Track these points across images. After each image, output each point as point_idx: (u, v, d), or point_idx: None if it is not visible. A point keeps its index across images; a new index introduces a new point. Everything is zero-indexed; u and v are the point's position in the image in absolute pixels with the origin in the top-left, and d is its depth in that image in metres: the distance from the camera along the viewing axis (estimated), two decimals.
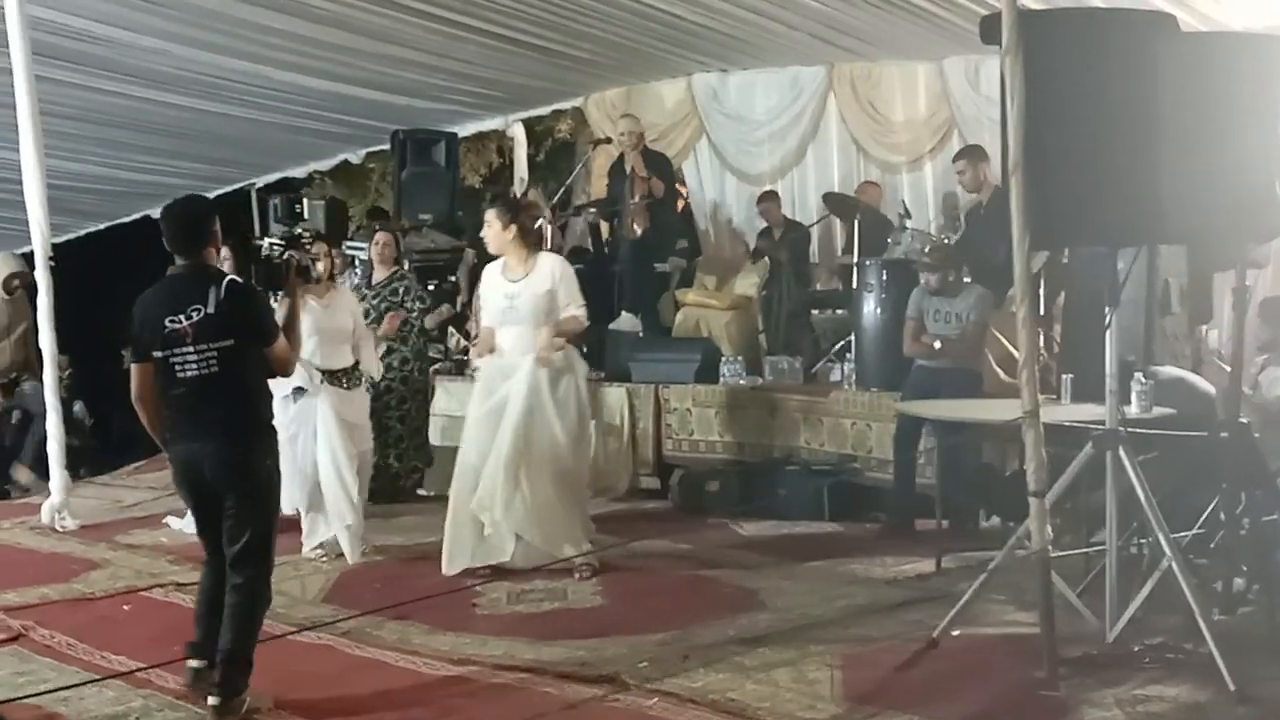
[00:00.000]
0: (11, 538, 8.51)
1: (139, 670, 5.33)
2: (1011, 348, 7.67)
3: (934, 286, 7.82)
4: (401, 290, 9.12)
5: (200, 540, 5.18)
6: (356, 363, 7.73)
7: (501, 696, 5.14)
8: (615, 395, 9.47)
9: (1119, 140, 4.96)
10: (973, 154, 8.90)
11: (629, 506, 8.20)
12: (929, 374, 7.77)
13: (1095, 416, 5.65)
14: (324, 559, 7.48)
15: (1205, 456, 5.85)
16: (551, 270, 7.05)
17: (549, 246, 9.60)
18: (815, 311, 10.51)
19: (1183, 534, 5.62)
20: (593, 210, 11.68)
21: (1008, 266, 5.22)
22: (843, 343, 9.57)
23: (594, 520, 7.50)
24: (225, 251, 8.77)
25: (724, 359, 9.50)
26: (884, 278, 8.71)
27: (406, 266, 10.06)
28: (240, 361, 4.92)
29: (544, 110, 13.05)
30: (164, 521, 8.51)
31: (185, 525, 7.70)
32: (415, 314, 9.27)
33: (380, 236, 9.32)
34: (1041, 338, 8.02)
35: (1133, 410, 6.00)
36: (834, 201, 10.50)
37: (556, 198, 12.04)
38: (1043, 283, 8.19)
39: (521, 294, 6.97)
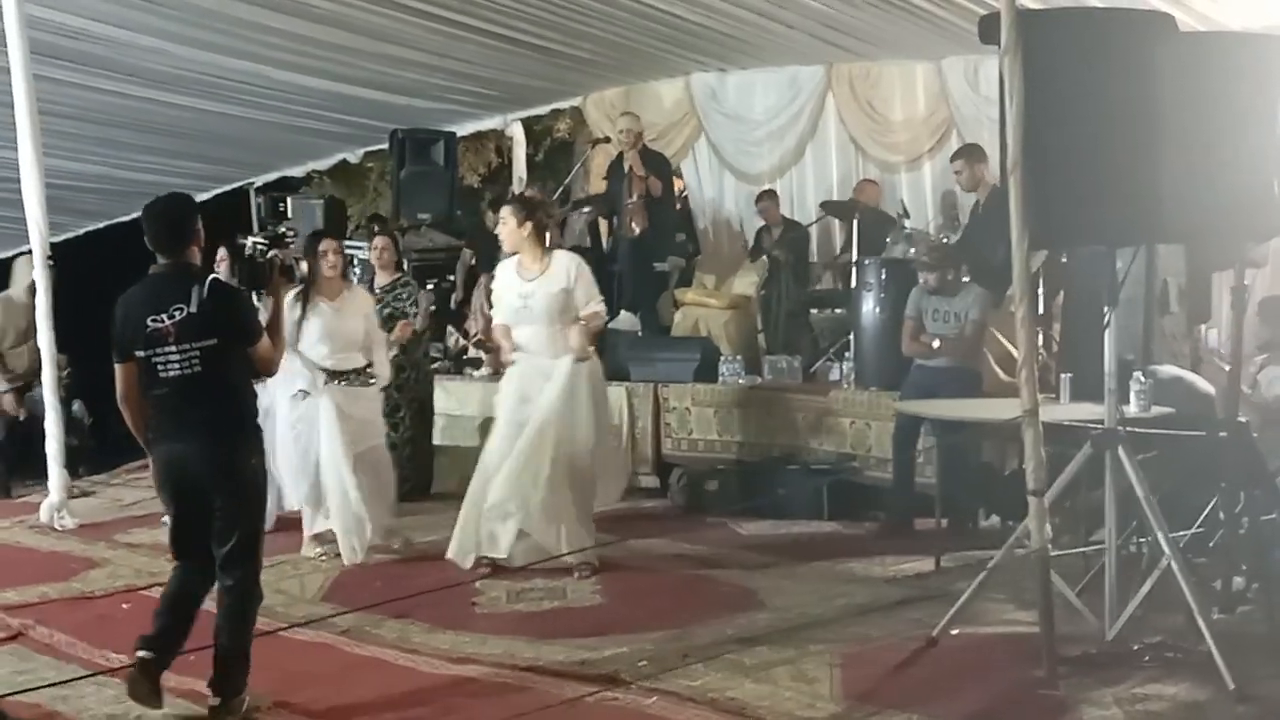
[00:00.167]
0: (11, 536, 8.51)
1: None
2: (1010, 347, 7.67)
3: (933, 286, 7.83)
4: (405, 296, 9.02)
5: (171, 545, 5.10)
6: (367, 365, 7.62)
7: (501, 695, 5.14)
8: (614, 394, 9.43)
9: (1117, 140, 4.97)
10: (970, 154, 8.90)
11: (628, 506, 8.20)
12: (928, 373, 7.78)
13: (1094, 416, 5.65)
14: (324, 558, 7.48)
15: (1204, 456, 5.84)
16: (567, 269, 7.01)
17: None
18: (814, 311, 10.52)
19: (1182, 533, 5.62)
20: (588, 209, 11.68)
21: (1006, 266, 5.22)
22: (841, 342, 9.58)
23: (593, 519, 7.49)
24: (222, 252, 8.79)
25: (723, 358, 9.50)
26: (883, 277, 8.71)
27: (407, 267, 10.04)
28: (223, 361, 4.88)
29: (543, 110, 13.07)
30: (163, 520, 8.49)
31: None
32: (414, 317, 9.21)
33: (378, 241, 9.17)
34: (1040, 337, 8.02)
35: (1132, 409, 6.00)
36: (832, 208, 10.52)
37: (555, 197, 12.04)
38: (1041, 282, 8.19)
39: (536, 293, 6.94)
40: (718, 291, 10.94)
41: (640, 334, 10.29)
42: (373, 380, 7.64)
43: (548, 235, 7.19)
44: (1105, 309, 5.42)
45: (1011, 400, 5.61)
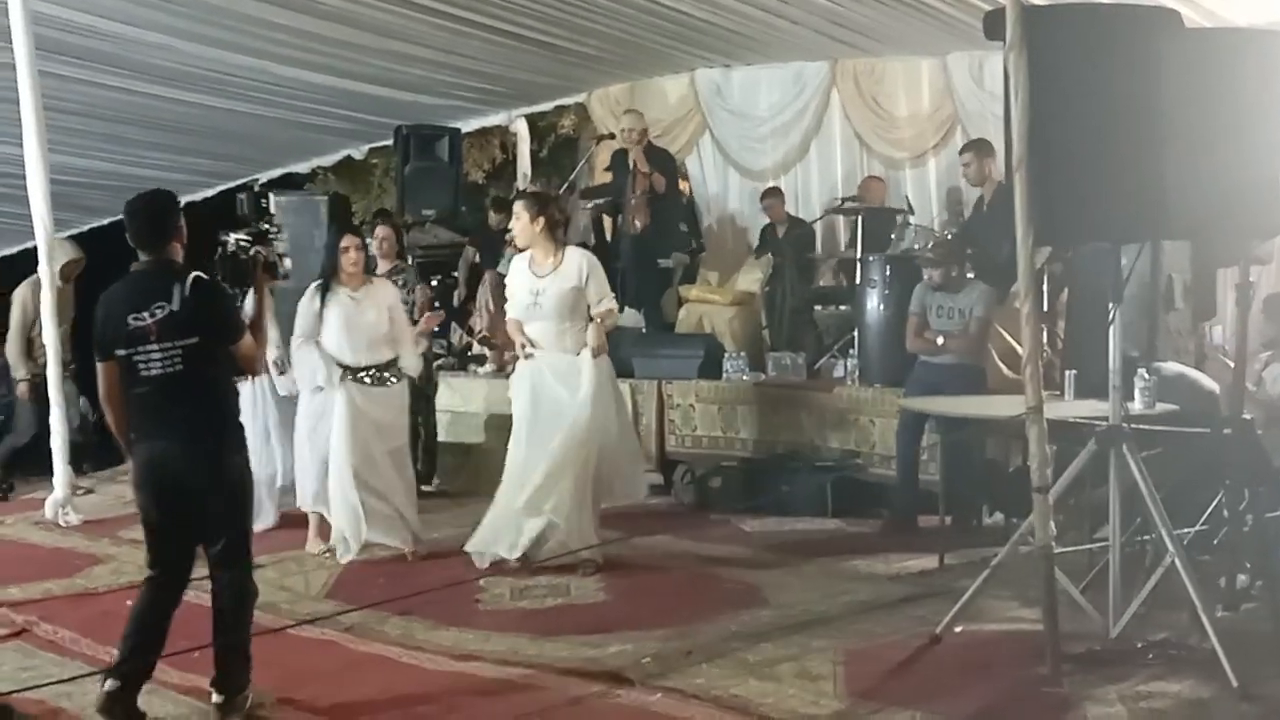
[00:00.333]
0: (15, 533, 8.53)
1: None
2: (1015, 343, 7.67)
3: (937, 282, 7.81)
4: (401, 284, 8.99)
5: (148, 551, 4.96)
6: (391, 360, 7.51)
7: (505, 692, 5.14)
8: None
9: (1123, 136, 4.96)
10: (979, 148, 8.89)
11: (632, 502, 8.19)
12: (932, 370, 7.77)
13: (1098, 413, 5.64)
14: (328, 555, 7.48)
15: (1208, 453, 5.84)
16: (579, 266, 6.99)
17: None
18: (818, 307, 10.50)
19: (1186, 530, 5.61)
20: (592, 204, 11.66)
21: (1011, 262, 5.21)
22: (846, 338, 9.57)
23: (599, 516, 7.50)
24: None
25: (727, 355, 9.50)
26: (887, 273, 8.70)
27: (410, 261, 10.03)
28: (206, 360, 4.81)
29: (547, 106, 13.06)
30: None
31: None
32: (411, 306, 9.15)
33: (380, 230, 9.16)
34: (1045, 334, 8.01)
35: (1136, 407, 5.99)
36: (836, 210, 10.52)
37: (560, 192, 12.04)
38: (1046, 278, 8.18)
39: (547, 289, 6.93)
40: (722, 288, 10.93)
41: (644, 330, 10.29)
42: (390, 379, 7.49)
43: (559, 231, 7.15)
44: (1110, 306, 5.41)
45: (1016, 397, 5.61)
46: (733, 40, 10.15)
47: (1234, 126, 5.07)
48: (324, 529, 7.61)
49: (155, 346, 4.76)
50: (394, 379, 7.52)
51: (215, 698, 4.91)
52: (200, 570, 5.00)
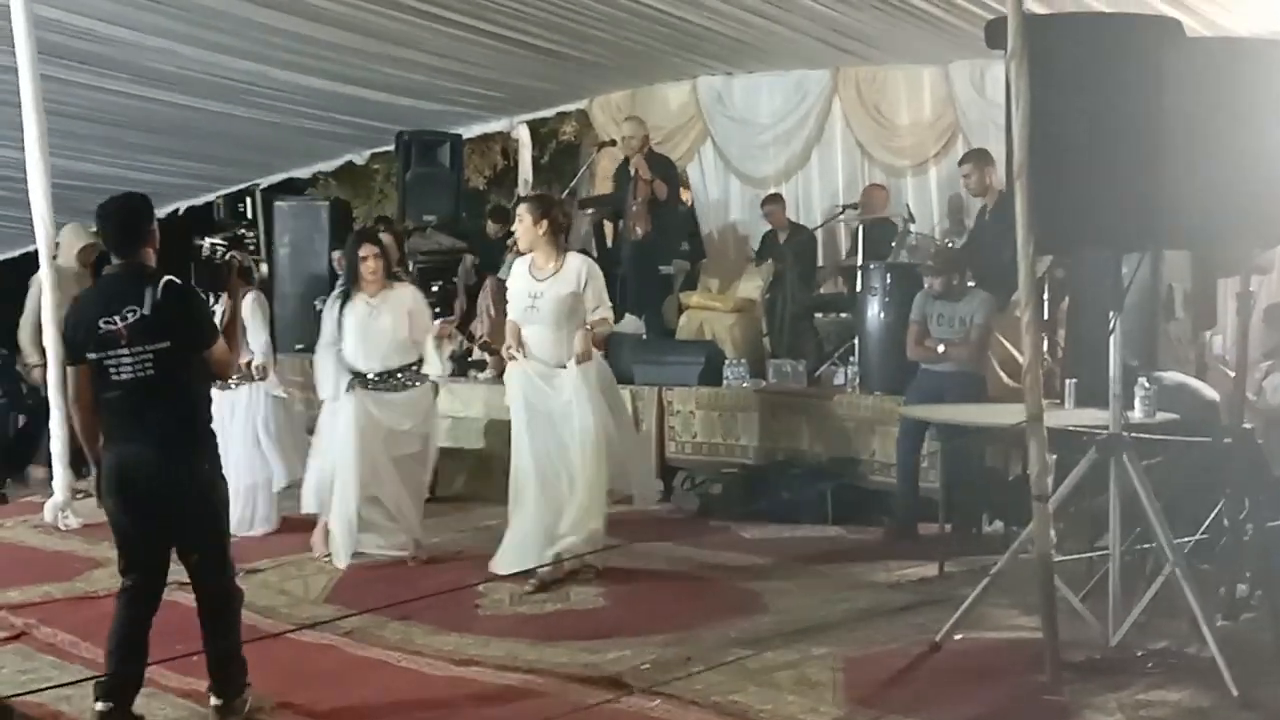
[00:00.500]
0: (14, 536, 8.52)
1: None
2: (1015, 352, 7.67)
3: (938, 290, 7.82)
4: None
5: (120, 558, 4.92)
6: (410, 365, 7.47)
7: (504, 697, 5.14)
8: None
9: (1124, 145, 4.96)
10: (979, 158, 8.90)
11: (631, 508, 8.19)
12: (933, 378, 7.77)
13: (1099, 421, 5.64)
14: (328, 558, 7.47)
15: (1209, 462, 5.84)
16: (578, 272, 6.94)
17: None
18: (819, 315, 10.51)
19: (1186, 539, 5.61)
20: (592, 210, 11.68)
21: (1011, 270, 5.22)
22: (846, 346, 9.57)
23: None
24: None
25: (727, 362, 9.49)
26: (888, 281, 8.71)
27: (411, 267, 10.04)
28: (177, 364, 4.75)
29: (548, 112, 13.07)
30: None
31: None
32: None
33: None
34: (1045, 342, 8.01)
35: (1136, 415, 5.99)
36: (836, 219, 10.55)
37: (562, 198, 12.05)
38: (1046, 287, 8.19)
39: (545, 294, 6.88)
40: (723, 295, 10.93)
41: (645, 337, 10.29)
42: (408, 383, 7.44)
43: (562, 236, 7.13)
44: (1110, 314, 5.41)
45: (1016, 405, 5.61)
46: (734, 48, 10.16)
47: (1235, 136, 5.07)
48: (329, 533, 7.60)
49: (126, 351, 4.70)
50: (412, 383, 7.47)
51: (214, 701, 4.90)
52: (183, 574, 4.98)
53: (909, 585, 6.79)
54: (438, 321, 8.53)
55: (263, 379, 8.19)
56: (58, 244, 8.79)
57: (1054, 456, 5.89)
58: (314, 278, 12.44)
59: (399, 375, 7.43)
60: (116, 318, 4.70)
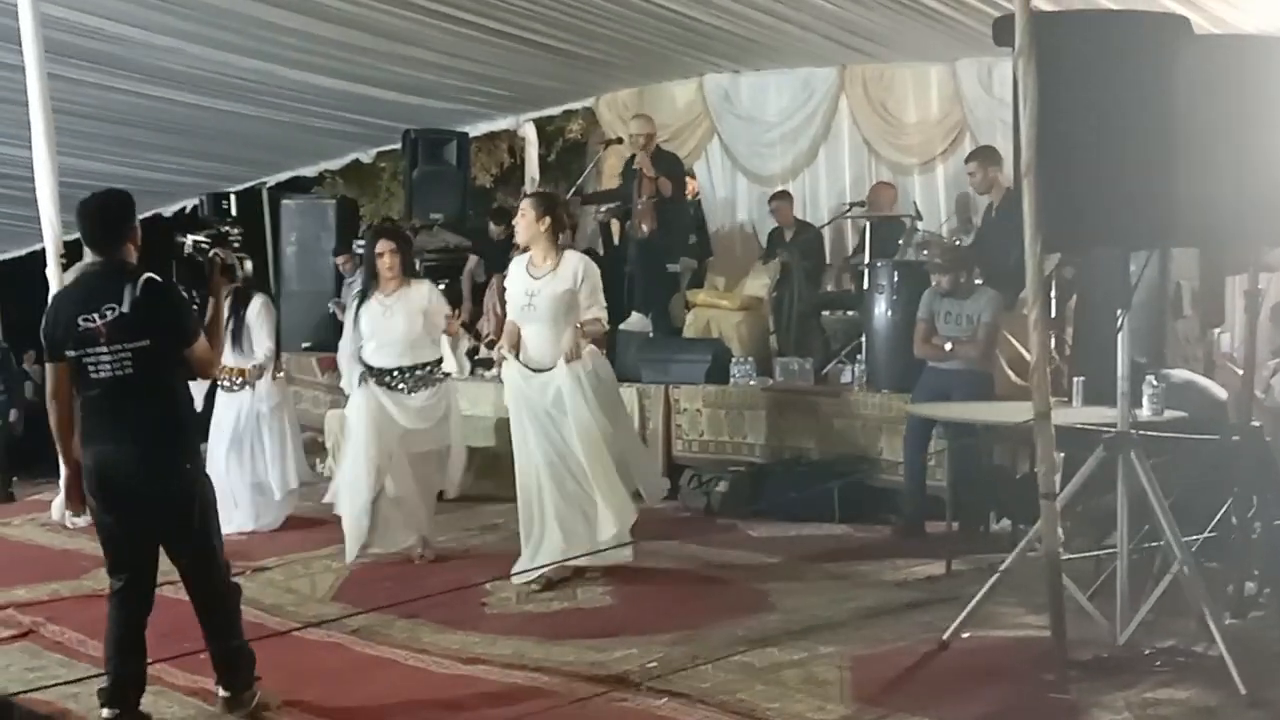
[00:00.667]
0: (22, 534, 8.54)
1: (147, 665, 5.33)
2: (1023, 350, 7.66)
3: (945, 288, 7.80)
4: None
5: (107, 558, 4.92)
6: (426, 364, 7.43)
7: (511, 695, 5.15)
8: (625, 396, 9.42)
9: (1132, 142, 4.95)
10: (985, 156, 8.89)
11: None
12: (940, 376, 7.76)
13: (1106, 419, 5.64)
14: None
15: (1217, 460, 5.83)
16: (574, 270, 6.88)
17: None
18: (826, 312, 10.49)
19: (1194, 537, 5.60)
20: (606, 208, 11.67)
21: (1019, 268, 5.21)
22: (853, 344, 9.56)
23: None
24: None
25: (734, 360, 9.49)
26: (895, 279, 8.70)
27: (418, 266, 10.03)
28: (157, 363, 4.71)
29: (555, 110, 13.08)
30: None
31: None
32: None
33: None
34: (1053, 340, 8.00)
35: (1144, 413, 5.98)
36: (843, 216, 10.53)
37: (568, 198, 12.05)
38: (1054, 285, 8.17)
39: (541, 292, 6.84)
40: (729, 293, 10.92)
41: (651, 335, 10.28)
42: (421, 383, 7.40)
43: (562, 235, 7.11)
44: (1118, 312, 5.40)
45: (1023, 403, 5.58)
46: (741, 45, 10.16)
47: (1243, 133, 5.06)
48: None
49: (105, 349, 4.67)
50: (426, 383, 7.43)
51: (222, 693, 4.93)
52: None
53: (916, 583, 6.78)
54: (446, 318, 8.54)
55: (259, 377, 8.22)
56: (65, 255, 8.78)
57: (1062, 454, 5.90)
58: (321, 276, 12.47)
59: (413, 374, 7.39)
60: (95, 315, 4.67)
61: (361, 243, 11.58)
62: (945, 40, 9.15)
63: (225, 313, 8.00)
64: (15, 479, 10.29)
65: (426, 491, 7.56)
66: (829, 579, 6.91)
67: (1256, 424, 5.89)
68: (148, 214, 13.41)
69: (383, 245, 7.44)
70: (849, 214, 10.57)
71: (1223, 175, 5.00)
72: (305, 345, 11.98)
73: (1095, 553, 6.08)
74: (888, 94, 10.77)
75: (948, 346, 7.71)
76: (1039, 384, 5.09)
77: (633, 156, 10.71)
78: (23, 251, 12.98)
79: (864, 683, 5.14)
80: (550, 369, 6.80)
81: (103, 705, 4.77)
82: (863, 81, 10.82)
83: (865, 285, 9.26)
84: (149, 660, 5.16)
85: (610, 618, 6.28)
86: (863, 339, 9.21)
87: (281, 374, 8.60)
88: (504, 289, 7.40)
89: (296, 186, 14.33)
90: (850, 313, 10.18)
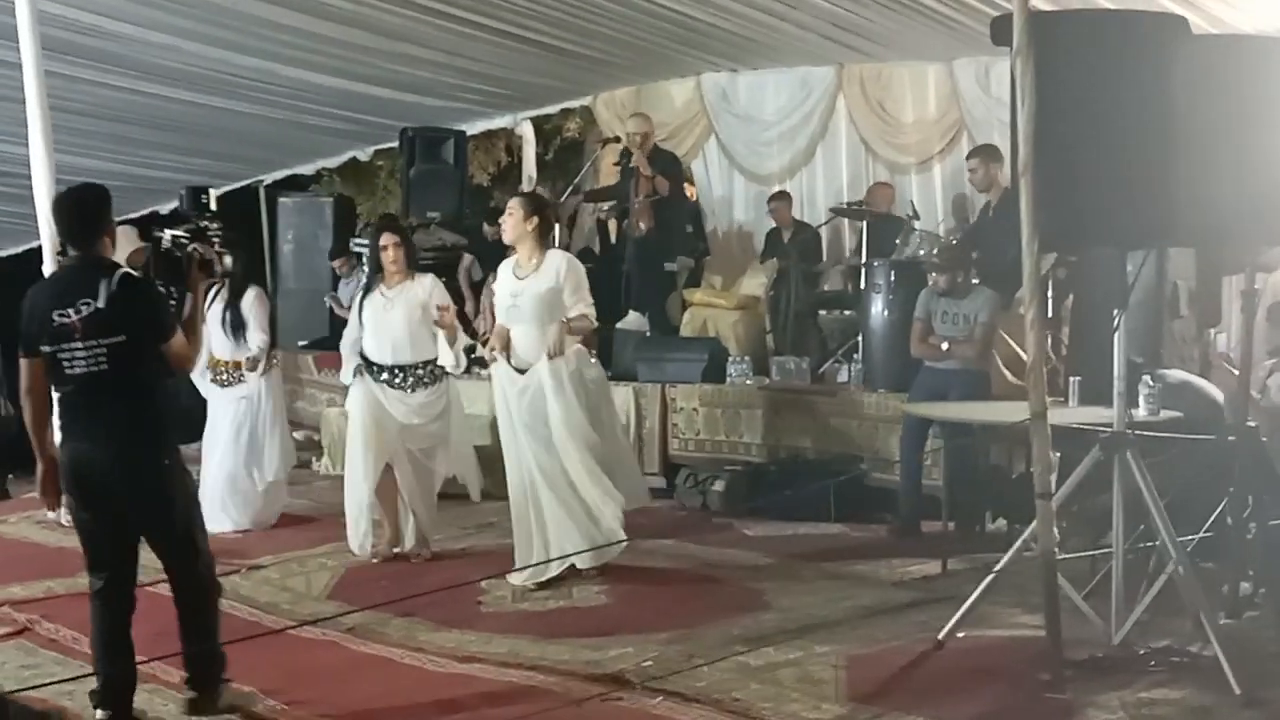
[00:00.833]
0: (18, 532, 8.54)
1: (142, 664, 5.32)
2: (1019, 349, 7.66)
3: (942, 288, 7.80)
4: None
5: (85, 555, 4.85)
6: (426, 361, 7.39)
7: (506, 694, 5.14)
8: (621, 394, 9.44)
9: (1129, 142, 4.95)
10: (986, 153, 8.90)
11: (633, 506, 8.18)
12: (936, 375, 7.76)
13: (1103, 419, 5.63)
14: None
15: (1212, 460, 5.83)
16: (557, 268, 6.86)
17: (557, 244, 9.56)
18: (823, 312, 10.50)
19: (1189, 537, 5.60)
20: (604, 208, 11.67)
21: (1016, 267, 5.21)
22: (850, 343, 9.57)
23: None
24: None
25: (731, 359, 9.49)
26: (892, 278, 8.71)
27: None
28: (133, 359, 4.67)
29: (553, 109, 13.05)
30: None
31: None
32: None
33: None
34: (1049, 340, 8.00)
35: (1140, 413, 5.98)
36: (841, 212, 10.51)
37: (565, 196, 12.06)
38: (1051, 284, 8.18)
39: (525, 291, 6.83)
40: (726, 292, 10.93)
41: (648, 334, 10.29)
42: (420, 381, 7.38)
43: (549, 236, 7.11)
44: (1115, 312, 5.40)
45: (1020, 403, 5.59)
46: (739, 44, 10.15)
47: (1240, 133, 5.06)
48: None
49: (80, 344, 4.63)
50: (425, 381, 7.41)
51: (188, 693, 4.90)
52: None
53: (912, 583, 6.78)
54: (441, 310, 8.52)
55: (252, 370, 8.22)
56: (62, 252, 8.77)
57: (1057, 454, 5.89)
58: (317, 274, 12.46)
59: (413, 371, 7.38)
60: (70, 310, 4.64)
61: (359, 241, 11.60)
62: (943, 39, 9.15)
63: (220, 307, 8.10)
64: (10, 476, 10.23)
65: (426, 489, 7.55)
66: (825, 578, 6.90)
67: (1252, 424, 5.89)
68: (144, 211, 13.43)
69: (386, 238, 7.45)
70: (847, 213, 10.57)
71: (1220, 175, 5.00)
72: (302, 344, 11.98)
73: (1091, 553, 6.10)
74: (885, 93, 10.77)
75: (944, 346, 7.71)
76: (1035, 384, 5.09)
77: (629, 154, 10.71)
78: (20, 249, 12.93)
79: (859, 682, 5.14)
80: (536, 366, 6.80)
81: (95, 706, 4.75)
82: (860, 81, 10.81)
83: (862, 285, 9.27)
84: (142, 659, 5.17)
85: (606, 616, 6.28)
86: (859, 338, 9.22)
87: (275, 364, 8.60)
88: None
89: (293, 184, 14.32)
90: (847, 312, 10.20)
